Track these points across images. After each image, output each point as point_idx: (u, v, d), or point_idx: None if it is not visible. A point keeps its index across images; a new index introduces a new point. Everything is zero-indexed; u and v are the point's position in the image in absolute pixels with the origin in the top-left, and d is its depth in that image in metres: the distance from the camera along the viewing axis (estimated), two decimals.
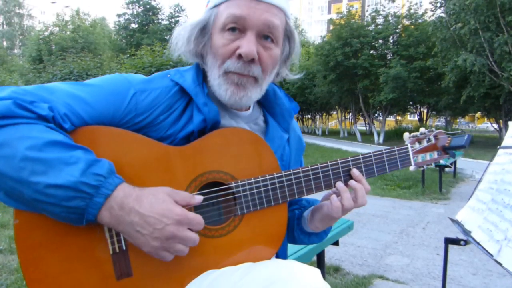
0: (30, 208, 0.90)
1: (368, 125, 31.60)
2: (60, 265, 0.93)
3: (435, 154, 1.34)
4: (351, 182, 1.18)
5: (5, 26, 51.96)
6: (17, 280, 3.23)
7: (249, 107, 1.26)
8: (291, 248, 2.43)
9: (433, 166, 1.40)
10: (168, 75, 1.13)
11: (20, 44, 50.03)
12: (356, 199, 1.15)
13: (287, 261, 1.03)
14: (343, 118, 32.88)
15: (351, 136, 29.09)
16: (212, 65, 1.11)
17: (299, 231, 1.31)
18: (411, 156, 1.29)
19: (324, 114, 36.90)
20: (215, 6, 1.11)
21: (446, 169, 9.74)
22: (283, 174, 1.14)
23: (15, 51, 50.54)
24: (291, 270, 0.94)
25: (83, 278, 0.94)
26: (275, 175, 1.13)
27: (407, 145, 1.31)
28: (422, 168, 1.35)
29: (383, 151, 1.26)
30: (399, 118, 36.24)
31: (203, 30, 1.14)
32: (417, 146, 1.32)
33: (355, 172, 1.19)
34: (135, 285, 0.98)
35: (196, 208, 1.05)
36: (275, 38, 1.11)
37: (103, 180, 0.87)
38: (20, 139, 0.84)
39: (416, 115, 30.82)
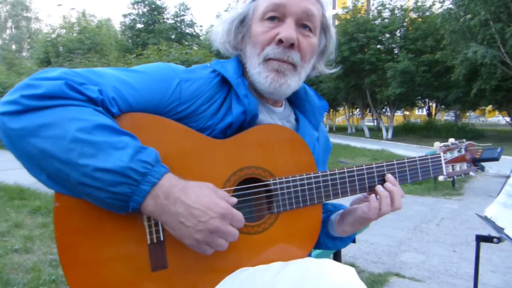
0: (73, 192, 0.89)
1: (376, 121, 31.41)
2: (97, 252, 0.92)
3: (464, 166, 1.34)
4: (387, 185, 1.17)
5: (13, 29, 52.50)
6: (33, 279, 3.24)
7: (283, 103, 1.27)
8: None
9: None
10: (208, 65, 1.15)
11: (28, 47, 50.47)
12: (393, 202, 1.15)
13: (320, 260, 1.01)
14: (351, 114, 32.69)
15: (359, 132, 28.91)
16: (252, 54, 1.11)
17: (324, 235, 1.30)
18: (443, 165, 1.29)
19: (331, 110, 36.73)
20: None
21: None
22: (320, 174, 1.14)
23: (24, 54, 51.01)
24: (325, 269, 0.93)
25: (119, 267, 0.93)
26: (312, 175, 1.13)
27: (439, 154, 1.30)
28: (451, 179, 1.34)
29: (417, 158, 1.26)
30: (407, 113, 35.94)
31: (242, 23, 1.15)
32: (448, 155, 1.32)
33: (390, 177, 1.19)
34: (169, 277, 0.97)
35: None
36: (313, 28, 1.13)
37: (150, 168, 0.86)
38: (70, 120, 0.83)
39: (424, 109, 30.55)
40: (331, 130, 33.94)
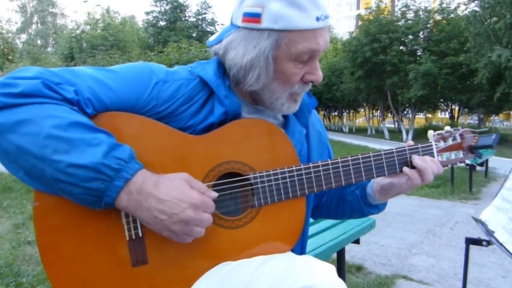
0: (50, 188, 0.91)
1: (396, 123, 30.94)
2: (77, 249, 0.94)
3: (460, 154, 1.30)
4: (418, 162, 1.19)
5: (39, 25, 53.72)
6: (43, 271, 3.29)
7: None
8: (309, 245, 2.39)
9: (462, 164, 1.37)
10: (189, 68, 1.14)
11: (53, 42, 51.63)
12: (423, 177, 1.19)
13: (302, 256, 1.02)
14: (371, 115, 32.29)
15: (378, 134, 28.55)
16: (277, 88, 1.11)
17: (368, 207, 1.33)
18: (435, 154, 1.26)
19: (352, 111, 36.38)
20: (284, 30, 1.02)
21: (478, 168, 9.41)
22: (303, 167, 1.13)
23: (49, 49, 52.20)
24: (306, 265, 0.94)
25: (99, 264, 0.95)
26: (294, 168, 1.12)
27: (431, 142, 1.28)
28: (446, 167, 1.31)
29: (406, 148, 1.23)
30: (429, 115, 35.30)
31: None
32: (441, 144, 1.29)
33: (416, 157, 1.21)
34: (150, 272, 0.98)
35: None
36: None
37: (124, 164, 0.88)
38: (45, 117, 0.85)
39: (447, 112, 29.97)
40: (350, 131, 33.64)
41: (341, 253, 2.76)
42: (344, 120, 38.24)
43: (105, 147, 0.86)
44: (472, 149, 1.30)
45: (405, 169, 1.20)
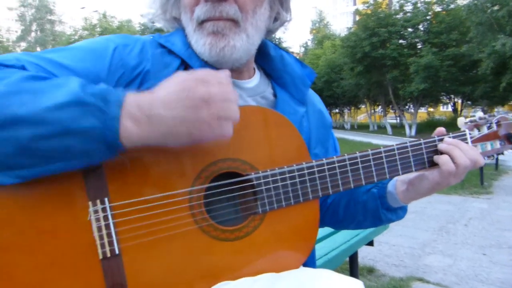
0: (33, 165, 0.69)
1: (398, 118, 30.75)
2: (37, 274, 0.74)
3: (497, 144, 1.12)
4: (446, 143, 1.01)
5: (38, 32, 53.80)
6: None
7: (251, 75, 1.06)
8: (319, 250, 2.15)
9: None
10: (151, 37, 0.98)
11: None
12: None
13: (321, 271, 0.82)
14: (372, 111, 32.12)
15: (381, 130, 28.37)
16: (186, 22, 0.96)
17: (385, 210, 1.11)
18: (469, 144, 1.07)
19: (352, 107, 36.22)
20: None
21: (487, 161, 9.19)
22: (315, 164, 0.95)
23: None
24: (328, 283, 0.76)
25: None
26: (305, 165, 0.94)
27: (464, 131, 1.08)
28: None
29: (436, 138, 1.05)
30: (431, 109, 35.05)
31: None
32: (476, 133, 1.10)
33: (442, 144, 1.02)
34: None
35: (208, 204, 0.87)
36: None
37: (105, 92, 0.71)
38: None
39: (449, 105, 29.71)
40: (352, 128, 33.45)
41: (353, 257, 2.51)
42: (346, 117, 38.09)
43: (77, 82, 0.70)
44: (511, 138, 1.13)
45: (435, 156, 1.01)
